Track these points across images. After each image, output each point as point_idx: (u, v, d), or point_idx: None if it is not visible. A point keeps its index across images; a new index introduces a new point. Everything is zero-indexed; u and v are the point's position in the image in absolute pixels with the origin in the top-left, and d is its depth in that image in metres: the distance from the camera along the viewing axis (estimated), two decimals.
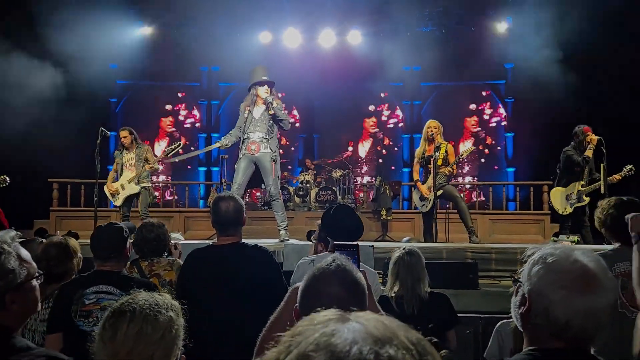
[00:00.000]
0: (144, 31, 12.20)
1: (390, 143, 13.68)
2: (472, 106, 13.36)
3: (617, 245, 2.79)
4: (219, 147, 6.34)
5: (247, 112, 6.04)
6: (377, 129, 13.63)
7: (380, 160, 13.49)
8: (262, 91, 5.95)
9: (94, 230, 2.76)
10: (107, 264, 2.65)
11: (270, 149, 5.91)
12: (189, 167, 13.41)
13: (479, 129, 13.37)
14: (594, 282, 1.25)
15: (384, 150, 13.61)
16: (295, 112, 13.54)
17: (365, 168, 13.42)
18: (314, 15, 11.76)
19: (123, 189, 7.07)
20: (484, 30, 12.20)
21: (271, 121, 5.96)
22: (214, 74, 13.44)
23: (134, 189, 7.02)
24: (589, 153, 6.52)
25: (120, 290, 2.45)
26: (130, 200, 7.12)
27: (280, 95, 6.09)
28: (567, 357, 1.26)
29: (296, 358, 0.61)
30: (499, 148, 13.31)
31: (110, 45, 12.10)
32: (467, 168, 13.01)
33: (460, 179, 12.61)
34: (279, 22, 11.96)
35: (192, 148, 12.67)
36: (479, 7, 12.04)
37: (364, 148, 13.64)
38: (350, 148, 13.22)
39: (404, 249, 3.26)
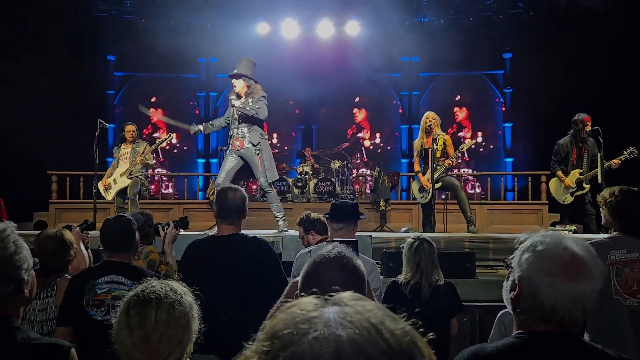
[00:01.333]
0: (142, 23, 12.14)
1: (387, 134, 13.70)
2: (471, 96, 13.36)
3: (614, 233, 2.82)
4: (195, 131, 6.37)
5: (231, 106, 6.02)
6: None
7: (380, 150, 13.50)
8: (238, 86, 5.89)
9: (104, 223, 2.80)
10: (116, 255, 2.69)
11: (252, 143, 5.87)
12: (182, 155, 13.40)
13: (478, 119, 13.38)
14: (581, 268, 1.28)
15: (380, 143, 13.64)
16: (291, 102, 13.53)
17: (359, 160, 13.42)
18: (311, 6, 11.71)
19: (115, 182, 7.06)
20: (482, 20, 12.18)
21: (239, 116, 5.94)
22: (212, 65, 13.40)
23: (125, 182, 7.00)
24: (583, 134, 6.57)
25: (131, 281, 2.48)
26: (124, 192, 7.09)
27: (254, 82, 5.97)
28: (556, 340, 1.29)
29: None
30: (496, 138, 13.34)
31: (108, 37, 12.09)
32: (466, 160, 13.03)
33: (456, 170, 12.64)
34: (276, 13, 11.91)
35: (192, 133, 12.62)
36: None
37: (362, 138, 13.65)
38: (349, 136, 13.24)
39: (420, 236, 3.39)
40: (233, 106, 5.86)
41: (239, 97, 5.89)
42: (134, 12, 12.19)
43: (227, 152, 6.07)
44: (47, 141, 9.59)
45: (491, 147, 13.29)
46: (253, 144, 5.86)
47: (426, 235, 3.59)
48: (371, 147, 13.42)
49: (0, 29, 9.45)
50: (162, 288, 1.51)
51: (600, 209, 2.87)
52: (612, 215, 2.81)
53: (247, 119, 5.85)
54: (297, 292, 1.45)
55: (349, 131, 13.49)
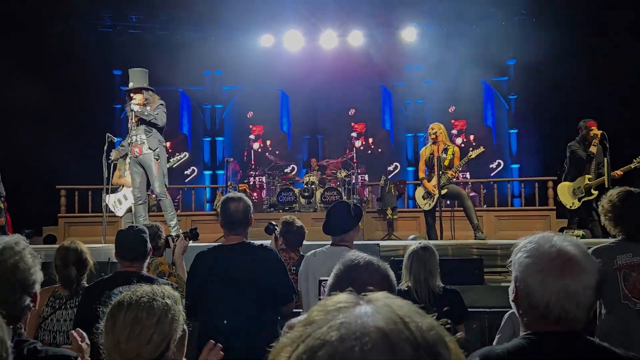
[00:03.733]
0: (148, 37, 12.28)
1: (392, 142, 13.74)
2: (476, 104, 13.37)
3: (619, 237, 2.81)
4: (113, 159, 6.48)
5: (129, 116, 6.08)
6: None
7: (370, 152, 13.52)
8: (137, 99, 5.97)
9: (117, 234, 2.87)
10: (130, 265, 2.76)
11: (150, 148, 5.94)
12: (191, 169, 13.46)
13: (483, 126, 13.39)
14: (571, 264, 1.29)
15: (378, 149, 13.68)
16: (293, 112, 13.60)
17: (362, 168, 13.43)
18: (315, 17, 11.81)
19: (126, 198, 6.94)
20: (485, 27, 12.22)
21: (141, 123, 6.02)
22: (217, 77, 13.51)
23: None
24: (593, 149, 6.55)
25: None
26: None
27: (152, 91, 6.08)
28: (563, 340, 1.31)
29: (303, 353, 0.60)
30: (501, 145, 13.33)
31: (114, 51, 12.22)
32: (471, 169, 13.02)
33: (461, 176, 12.63)
34: (280, 24, 12.02)
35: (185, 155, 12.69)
36: (481, 4, 12.05)
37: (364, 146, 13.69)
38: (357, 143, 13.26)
39: (420, 243, 3.38)
40: (132, 110, 5.92)
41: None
42: (139, 27, 12.33)
43: (128, 161, 6.14)
44: (55, 155, 9.68)
45: (497, 153, 13.28)
46: (152, 149, 5.94)
47: (431, 242, 3.60)
48: (361, 147, 13.39)
49: (9, 42, 9.59)
50: (142, 291, 1.55)
51: (602, 217, 2.86)
52: (613, 223, 2.80)
53: (145, 127, 5.94)
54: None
55: (354, 141, 13.54)
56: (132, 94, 6.00)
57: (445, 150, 6.70)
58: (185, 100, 13.92)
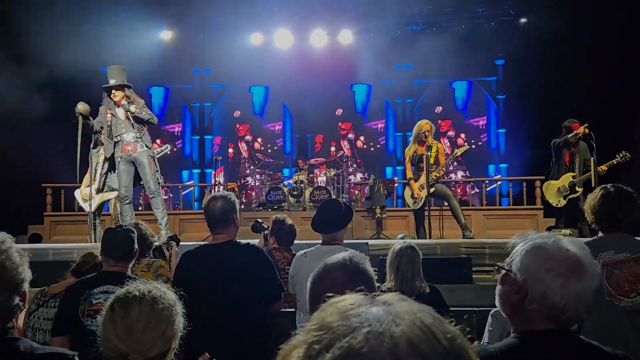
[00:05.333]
0: (136, 35, 12.18)
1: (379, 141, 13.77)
2: (464, 103, 13.44)
3: (600, 234, 2.82)
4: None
5: (109, 115, 6.01)
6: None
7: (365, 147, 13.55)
8: (119, 96, 5.96)
9: (105, 232, 2.84)
10: (113, 264, 2.73)
11: (146, 146, 5.97)
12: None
13: (471, 125, 13.46)
14: (584, 268, 1.36)
15: (372, 148, 13.71)
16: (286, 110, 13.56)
17: (354, 166, 13.47)
18: (304, 16, 11.79)
19: (97, 193, 6.42)
20: (474, 27, 12.28)
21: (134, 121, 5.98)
22: (206, 76, 13.44)
23: (108, 195, 6.52)
24: (571, 138, 6.62)
25: None
26: (102, 203, 6.64)
27: (132, 89, 6.09)
28: (554, 338, 1.34)
29: None
30: (489, 144, 13.42)
31: (101, 49, 12.10)
32: (458, 166, 13.09)
33: (453, 175, 12.69)
34: (270, 23, 11.99)
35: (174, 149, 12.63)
36: (469, 4, 12.12)
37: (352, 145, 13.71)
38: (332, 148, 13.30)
39: (405, 243, 3.38)
40: (127, 110, 5.88)
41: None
42: (127, 24, 12.22)
43: (119, 160, 5.98)
44: (41, 153, 9.56)
45: (484, 153, 13.36)
46: (148, 147, 5.95)
47: (414, 242, 3.61)
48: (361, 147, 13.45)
49: None
50: (145, 287, 1.57)
51: (586, 212, 2.88)
52: (595, 219, 2.81)
53: (138, 126, 5.93)
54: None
55: (341, 140, 13.55)
56: (113, 91, 5.94)
57: (429, 147, 6.71)
58: (174, 98, 13.82)
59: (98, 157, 6.53)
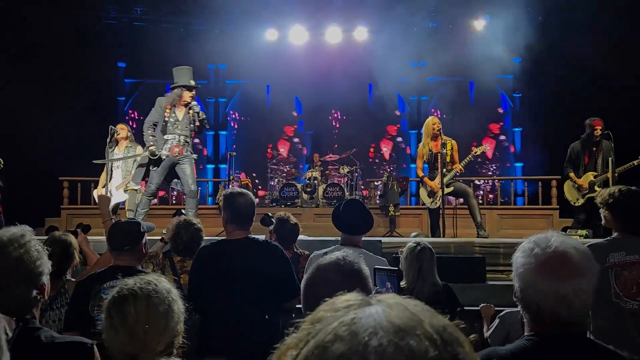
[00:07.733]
0: (152, 30, 12.26)
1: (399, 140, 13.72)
2: (480, 101, 13.32)
3: (614, 235, 2.78)
4: (153, 152, 5.98)
5: (168, 111, 5.95)
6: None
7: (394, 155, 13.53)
8: (188, 96, 5.94)
9: (112, 224, 2.88)
10: (122, 258, 2.71)
11: (191, 151, 6.04)
12: (201, 167, 13.44)
13: (488, 124, 13.34)
14: (564, 267, 1.25)
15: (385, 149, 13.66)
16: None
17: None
18: (320, 12, 11.76)
19: (111, 195, 6.50)
20: (490, 25, 12.15)
21: (192, 124, 5.96)
22: (221, 71, 13.48)
23: (122, 196, 6.62)
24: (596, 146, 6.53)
25: None
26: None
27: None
28: (566, 341, 1.30)
29: (314, 349, 0.58)
30: (506, 143, 13.29)
31: (118, 44, 12.21)
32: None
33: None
34: (285, 19, 11.97)
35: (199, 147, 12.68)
36: (487, 2, 11.99)
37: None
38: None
39: (420, 242, 3.41)
40: (197, 112, 5.92)
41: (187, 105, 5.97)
42: (144, 19, 12.31)
43: (164, 158, 5.94)
44: (58, 147, 9.68)
45: (501, 152, 13.25)
46: (192, 152, 6.05)
47: (428, 240, 3.62)
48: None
49: (12, 34, 9.59)
50: (135, 283, 1.55)
51: (600, 209, 2.83)
52: (612, 215, 2.77)
53: (190, 130, 5.99)
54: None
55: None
56: (185, 91, 5.90)
57: (444, 145, 6.67)
58: None
59: (113, 155, 6.59)
